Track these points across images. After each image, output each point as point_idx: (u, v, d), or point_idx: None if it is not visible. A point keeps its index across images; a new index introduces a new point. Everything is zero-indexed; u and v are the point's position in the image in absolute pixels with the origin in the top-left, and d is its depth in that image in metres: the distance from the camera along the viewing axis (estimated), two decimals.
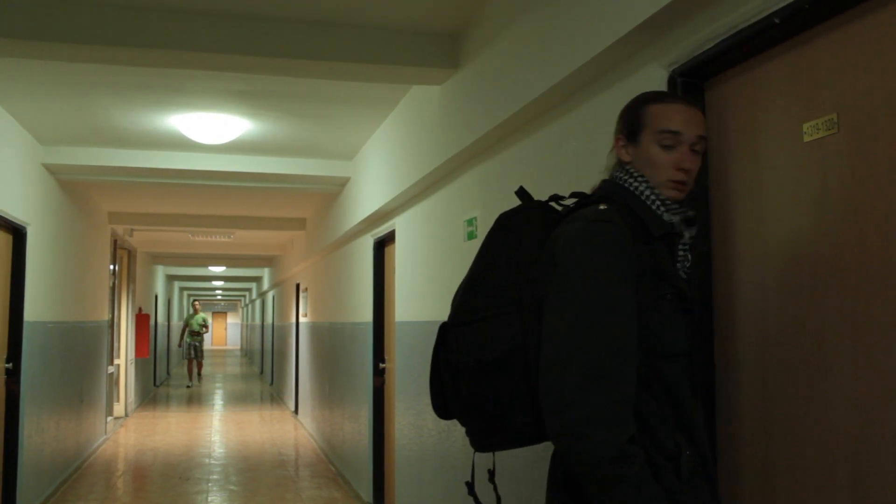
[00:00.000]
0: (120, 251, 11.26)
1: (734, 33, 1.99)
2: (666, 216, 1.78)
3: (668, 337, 1.70)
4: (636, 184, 1.80)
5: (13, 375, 5.68)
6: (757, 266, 2.03)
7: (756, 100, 2.03)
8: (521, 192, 1.95)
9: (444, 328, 1.92)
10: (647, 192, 1.79)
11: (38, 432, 6.31)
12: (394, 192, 5.30)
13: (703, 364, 1.83)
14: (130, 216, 10.08)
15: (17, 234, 5.82)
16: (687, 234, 1.81)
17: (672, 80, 2.25)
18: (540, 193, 2.05)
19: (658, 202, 1.79)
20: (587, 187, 1.95)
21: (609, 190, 1.84)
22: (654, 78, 2.32)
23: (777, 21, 1.84)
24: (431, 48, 3.89)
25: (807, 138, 1.86)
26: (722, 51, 2.05)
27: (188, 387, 17.41)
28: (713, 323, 2.18)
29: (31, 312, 5.96)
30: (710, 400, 2.16)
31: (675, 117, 1.78)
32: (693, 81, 2.23)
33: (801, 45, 1.89)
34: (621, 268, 1.64)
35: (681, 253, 1.81)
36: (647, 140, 1.80)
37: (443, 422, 4.39)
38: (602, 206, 1.76)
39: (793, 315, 1.91)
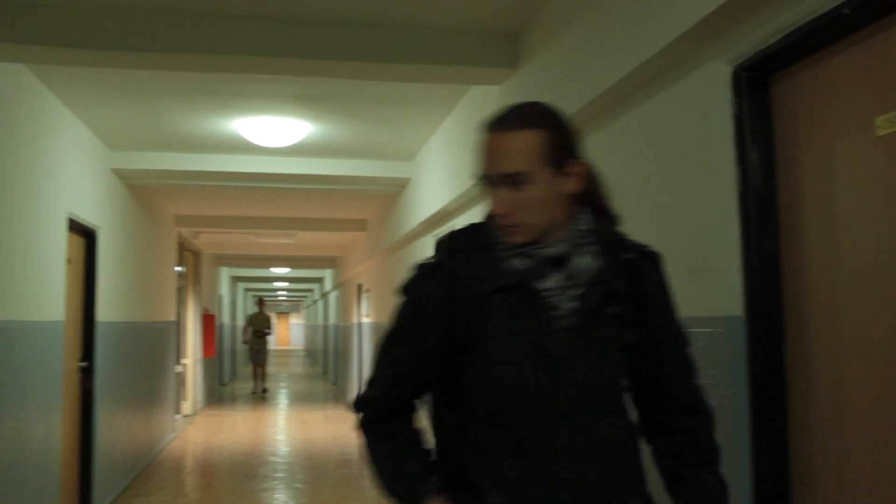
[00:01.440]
0: (186, 253, 11.51)
1: (801, 26, 1.93)
2: (517, 262, 1.52)
3: (469, 405, 1.55)
4: (493, 228, 1.57)
5: (87, 374, 5.85)
6: (828, 266, 1.97)
7: (825, 94, 1.97)
8: None
9: None
10: (499, 239, 1.56)
11: (111, 429, 6.49)
12: (455, 193, 5.30)
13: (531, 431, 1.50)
14: (196, 219, 10.29)
15: (89, 237, 6.00)
16: (551, 282, 1.50)
17: (736, 76, 2.20)
18: None
19: (504, 248, 1.54)
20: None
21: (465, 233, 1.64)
22: (718, 74, 2.27)
23: (846, 12, 1.79)
24: (490, 48, 3.88)
25: (880, 132, 1.79)
26: (788, 44, 1.99)
27: (253, 394, 16.22)
28: (782, 326, 2.12)
29: (102, 313, 6.14)
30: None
31: (481, 156, 1.56)
32: (758, 76, 2.17)
33: (874, 36, 1.83)
34: (407, 333, 1.61)
35: (549, 301, 1.50)
36: None
37: None
38: (426, 260, 1.62)
39: (867, 316, 1.84)
